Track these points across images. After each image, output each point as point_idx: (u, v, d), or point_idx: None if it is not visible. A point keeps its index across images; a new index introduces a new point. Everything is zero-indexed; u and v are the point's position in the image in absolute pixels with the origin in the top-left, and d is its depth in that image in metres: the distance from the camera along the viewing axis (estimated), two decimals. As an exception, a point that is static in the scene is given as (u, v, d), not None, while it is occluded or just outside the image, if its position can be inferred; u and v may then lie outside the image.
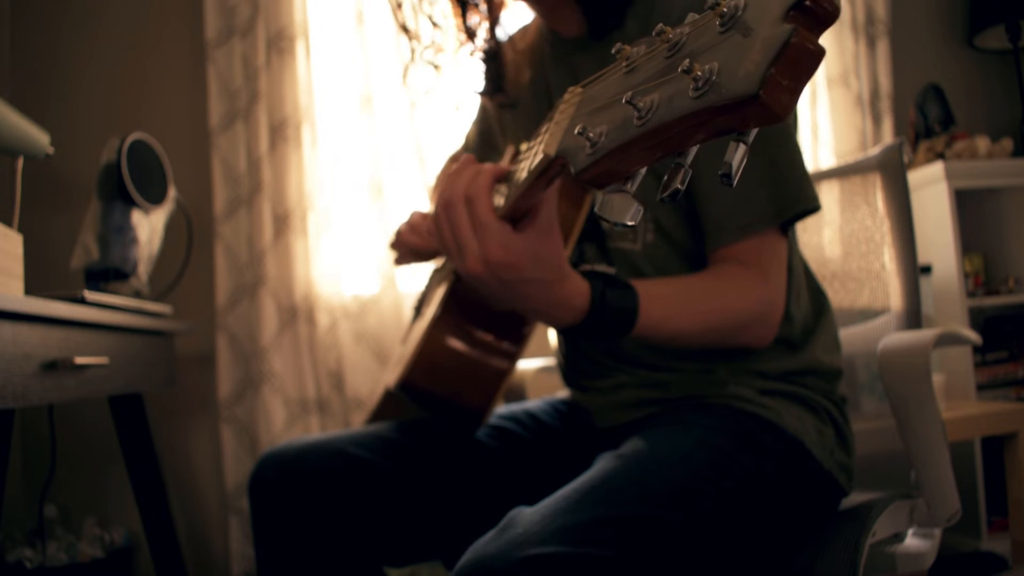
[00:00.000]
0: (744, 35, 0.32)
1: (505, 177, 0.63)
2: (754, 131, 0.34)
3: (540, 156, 0.52)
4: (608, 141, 0.40)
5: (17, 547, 1.68)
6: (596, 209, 0.43)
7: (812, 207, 0.79)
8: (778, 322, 0.80)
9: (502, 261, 0.60)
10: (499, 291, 0.63)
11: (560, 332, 0.70)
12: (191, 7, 1.99)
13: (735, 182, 0.35)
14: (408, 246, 1.04)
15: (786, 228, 0.80)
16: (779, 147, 0.79)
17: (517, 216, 0.62)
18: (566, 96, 0.52)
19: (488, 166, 0.63)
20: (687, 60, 0.34)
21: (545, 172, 0.53)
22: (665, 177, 0.38)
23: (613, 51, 0.43)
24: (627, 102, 0.38)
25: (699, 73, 0.33)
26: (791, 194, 0.78)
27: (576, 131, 0.43)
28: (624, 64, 0.42)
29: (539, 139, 0.55)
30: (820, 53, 0.31)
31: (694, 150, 0.38)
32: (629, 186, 0.42)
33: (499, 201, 0.62)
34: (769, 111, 0.31)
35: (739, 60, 0.32)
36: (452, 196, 0.62)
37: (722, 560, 0.66)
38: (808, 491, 0.78)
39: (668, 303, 0.72)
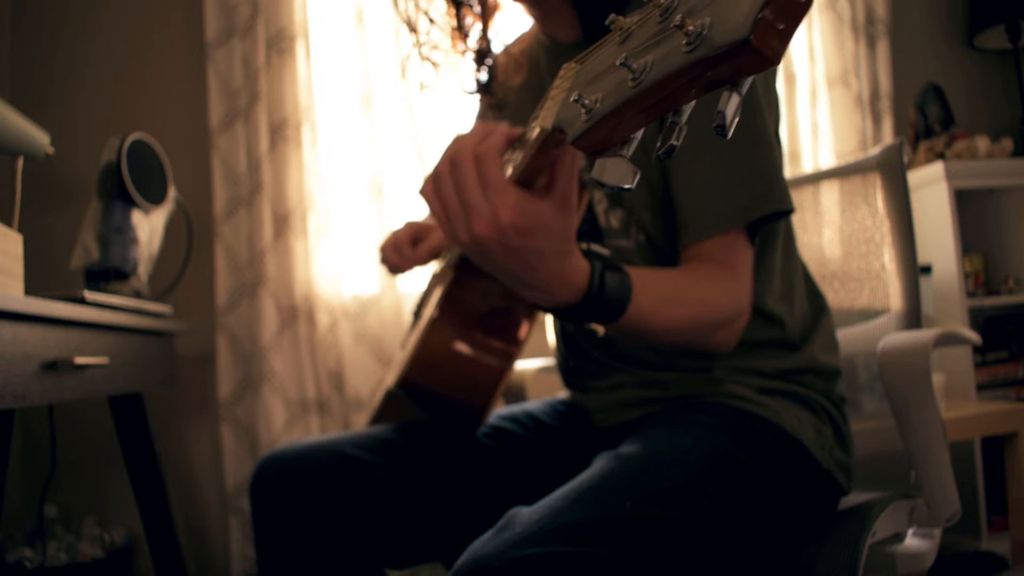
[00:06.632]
0: None
1: (517, 142, 0.60)
2: (748, 80, 0.35)
3: (537, 130, 0.52)
4: (603, 106, 0.41)
5: (17, 547, 1.68)
6: (593, 174, 0.43)
7: (782, 208, 0.77)
8: (743, 328, 0.77)
9: (512, 224, 0.56)
10: (502, 259, 0.58)
11: (550, 313, 0.66)
12: (191, 7, 1.99)
13: (729, 133, 0.35)
14: (389, 265, 1.09)
15: (755, 230, 0.77)
16: (753, 143, 0.77)
17: (527, 183, 0.59)
18: (561, 72, 0.52)
19: (501, 127, 0.60)
20: (679, 17, 0.35)
21: (544, 145, 0.53)
22: (660, 136, 0.38)
23: (607, 22, 0.43)
24: (621, 64, 0.38)
25: (691, 28, 0.34)
26: (760, 193, 0.76)
27: (572, 99, 0.43)
28: (618, 35, 0.43)
29: (537, 116, 0.56)
30: (808, 1, 0.32)
31: (689, 108, 0.38)
32: (625, 151, 0.43)
33: (508, 170, 0.59)
34: (761, 56, 0.32)
35: (730, 12, 0.33)
36: (460, 154, 0.57)
37: (721, 559, 0.66)
38: (807, 490, 0.78)
39: (656, 293, 0.69)
